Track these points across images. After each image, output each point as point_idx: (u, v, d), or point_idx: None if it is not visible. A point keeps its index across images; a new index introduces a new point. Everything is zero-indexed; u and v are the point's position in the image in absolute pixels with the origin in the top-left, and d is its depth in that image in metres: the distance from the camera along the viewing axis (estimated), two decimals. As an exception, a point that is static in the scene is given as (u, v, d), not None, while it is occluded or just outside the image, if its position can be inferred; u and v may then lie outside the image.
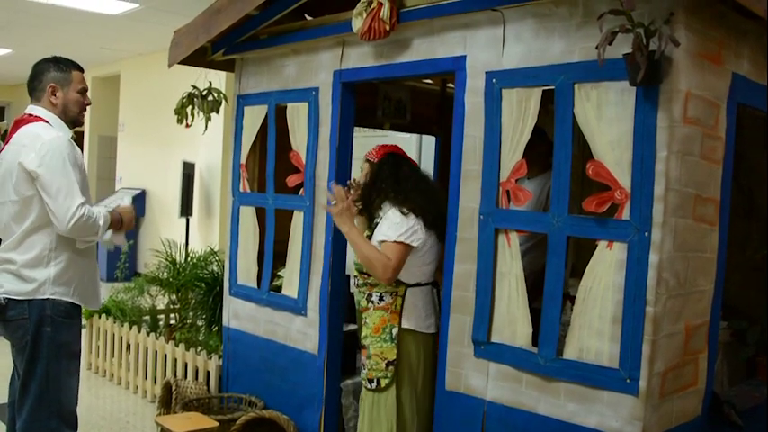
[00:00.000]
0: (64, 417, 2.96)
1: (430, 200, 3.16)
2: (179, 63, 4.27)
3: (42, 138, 2.88)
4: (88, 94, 3.16)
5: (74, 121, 3.10)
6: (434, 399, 3.21)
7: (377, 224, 3.21)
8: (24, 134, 2.94)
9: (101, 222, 2.91)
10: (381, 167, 3.21)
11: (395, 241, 3.03)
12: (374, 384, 3.12)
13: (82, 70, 3.15)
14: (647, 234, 2.47)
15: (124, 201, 3.21)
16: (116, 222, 3.03)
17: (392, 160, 3.25)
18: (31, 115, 3.02)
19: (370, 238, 3.20)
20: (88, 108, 3.23)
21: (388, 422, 3.09)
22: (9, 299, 2.90)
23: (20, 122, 3.02)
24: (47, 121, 2.99)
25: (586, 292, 2.65)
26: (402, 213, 3.09)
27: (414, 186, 3.16)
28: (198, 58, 4.26)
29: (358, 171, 3.77)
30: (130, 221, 3.12)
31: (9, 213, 2.94)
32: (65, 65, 3.09)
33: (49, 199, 2.83)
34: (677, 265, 2.54)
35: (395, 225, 3.06)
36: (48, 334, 2.90)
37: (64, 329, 2.94)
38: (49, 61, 3.10)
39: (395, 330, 3.10)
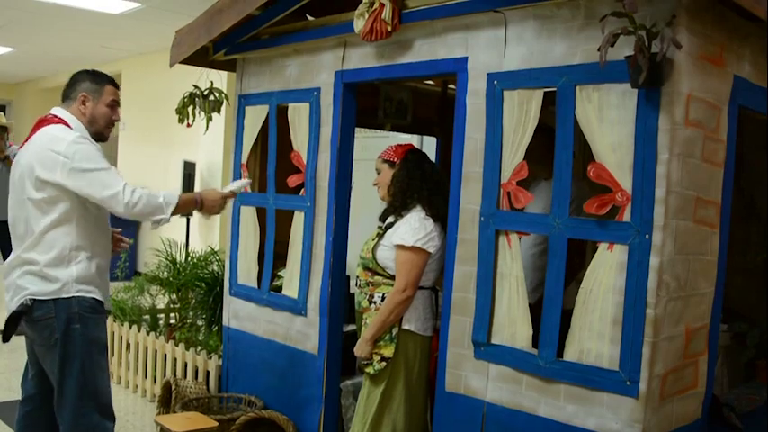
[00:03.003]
0: (103, 410, 2.97)
1: (446, 199, 3.15)
2: (180, 63, 4.27)
3: (65, 139, 2.87)
4: (119, 110, 3.17)
5: (99, 134, 3.10)
6: (427, 399, 3.23)
7: (390, 225, 3.21)
8: (45, 135, 2.93)
9: (160, 199, 2.91)
10: (406, 166, 3.22)
11: (412, 246, 3.05)
12: (365, 362, 3.16)
13: (117, 86, 3.17)
14: (647, 236, 2.47)
15: (230, 187, 3.25)
16: (192, 204, 3.04)
17: (414, 158, 3.26)
18: (55, 116, 3.02)
19: (378, 238, 3.20)
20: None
21: (378, 414, 3.14)
22: (35, 299, 2.89)
23: (42, 122, 3.01)
24: (69, 125, 2.99)
25: (587, 294, 2.64)
26: (422, 218, 3.11)
27: (435, 187, 3.17)
28: (199, 58, 4.26)
29: (359, 172, 3.78)
30: (211, 208, 3.15)
31: (28, 211, 2.92)
32: (100, 78, 3.12)
33: (94, 192, 2.83)
34: (678, 268, 2.54)
35: (413, 230, 3.08)
36: (78, 331, 2.90)
37: (92, 324, 2.95)
38: (86, 72, 3.13)
39: (395, 330, 3.11)
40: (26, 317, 2.92)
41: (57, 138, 2.88)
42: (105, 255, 3.06)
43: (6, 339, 2.98)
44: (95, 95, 3.06)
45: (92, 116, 3.06)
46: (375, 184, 3.32)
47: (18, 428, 3.12)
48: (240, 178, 4.18)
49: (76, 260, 2.91)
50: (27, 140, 3.02)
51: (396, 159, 3.25)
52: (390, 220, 3.24)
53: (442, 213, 3.12)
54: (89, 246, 2.95)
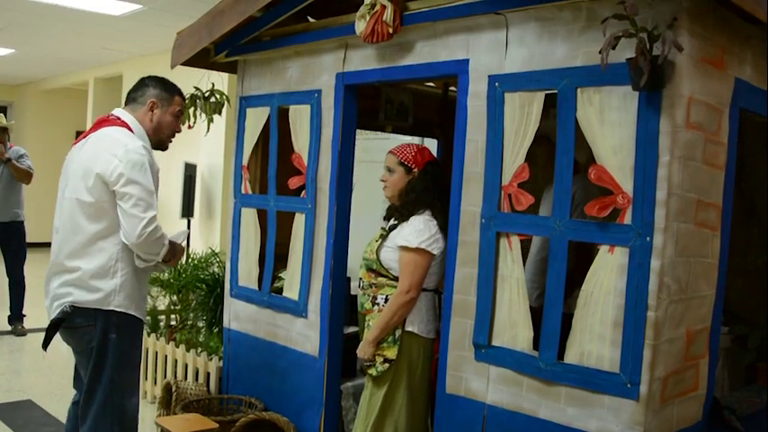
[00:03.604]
0: (126, 424, 2.97)
1: None
2: (182, 64, 4.27)
3: (127, 145, 2.86)
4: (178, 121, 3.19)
5: (161, 142, 3.13)
6: (429, 402, 3.22)
7: (393, 226, 3.21)
8: (106, 136, 2.92)
9: (165, 242, 2.92)
10: (425, 179, 3.18)
11: (416, 247, 3.04)
12: (368, 364, 3.14)
13: (184, 98, 3.20)
14: (648, 239, 2.47)
15: (181, 238, 3.21)
16: (170, 251, 3.01)
17: (434, 170, 3.22)
18: (118, 118, 3.02)
19: (382, 240, 3.19)
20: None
21: (380, 416, 3.12)
22: (75, 307, 2.88)
23: (103, 122, 3.01)
24: (131, 129, 2.98)
25: (588, 297, 2.64)
26: (426, 220, 3.10)
27: (447, 198, 3.13)
28: (201, 60, 4.26)
29: (360, 173, 3.77)
30: (177, 260, 3.14)
31: (74, 212, 2.90)
32: (171, 87, 3.13)
33: (125, 205, 2.80)
34: (679, 271, 2.54)
35: (418, 231, 3.07)
36: (113, 341, 2.90)
37: (127, 337, 2.95)
38: (157, 79, 3.14)
39: (398, 332, 3.11)
40: (65, 323, 2.91)
41: (118, 141, 2.87)
42: (146, 270, 3.05)
43: (45, 346, 2.99)
44: (165, 103, 3.08)
45: (158, 123, 3.07)
46: (383, 181, 3.27)
47: (70, 427, 3.15)
48: (241, 180, 4.19)
49: (121, 271, 2.90)
50: (83, 137, 2.99)
51: (414, 166, 3.20)
52: (394, 221, 3.24)
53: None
54: (132, 257, 2.93)
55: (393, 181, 3.23)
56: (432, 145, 5.15)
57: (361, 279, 3.28)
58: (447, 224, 3.10)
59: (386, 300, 3.13)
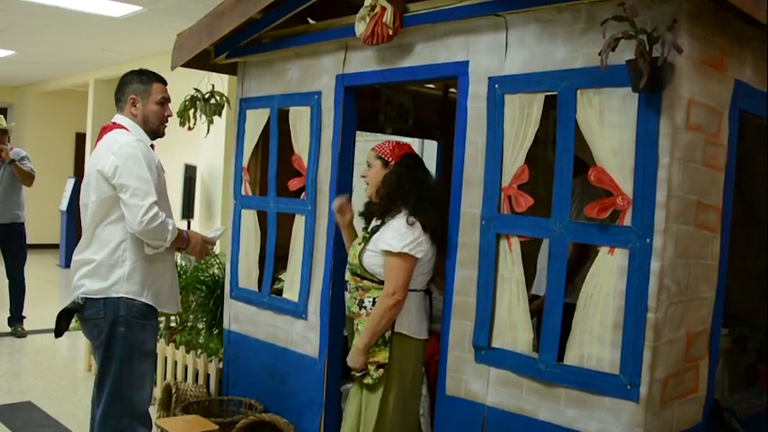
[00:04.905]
0: (137, 415, 3.04)
1: (436, 209, 3.07)
2: (182, 66, 4.28)
3: (119, 141, 3.00)
4: (170, 105, 3.26)
5: (154, 132, 3.20)
6: (419, 404, 3.21)
7: (375, 228, 3.13)
8: (105, 139, 3.08)
9: (170, 228, 2.99)
10: (399, 171, 3.09)
11: (399, 252, 2.95)
12: (360, 374, 3.06)
13: (164, 82, 3.24)
14: (648, 240, 2.47)
15: (211, 234, 3.31)
16: (180, 240, 3.10)
17: (410, 163, 3.13)
18: (114, 123, 3.15)
19: (365, 243, 3.12)
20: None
21: (378, 426, 3.05)
22: (86, 298, 3.00)
23: (105, 129, 3.15)
24: (126, 129, 3.10)
25: (588, 299, 2.64)
26: (408, 223, 2.99)
27: (426, 194, 3.07)
28: (201, 61, 4.27)
29: (359, 175, 3.78)
30: (194, 248, 3.19)
31: (87, 214, 3.05)
32: (147, 77, 3.19)
33: (124, 196, 2.92)
34: (679, 272, 2.54)
35: (400, 235, 2.97)
36: (121, 334, 2.98)
37: (137, 329, 3.01)
38: (133, 73, 3.21)
39: (387, 334, 3.02)
40: (79, 314, 3.04)
41: (115, 140, 3.02)
42: (164, 258, 3.10)
43: (58, 335, 3.09)
44: (144, 95, 3.15)
45: (144, 116, 3.15)
46: (363, 177, 3.21)
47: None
48: (241, 182, 4.19)
49: (130, 260, 3.00)
50: (94, 149, 3.15)
51: (391, 159, 3.11)
52: (375, 223, 3.16)
53: (432, 224, 3.03)
54: (140, 246, 3.00)
55: (371, 175, 3.16)
56: (432, 147, 5.16)
57: (347, 282, 3.19)
58: (431, 223, 3.02)
59: (373, 302, 3.04)
